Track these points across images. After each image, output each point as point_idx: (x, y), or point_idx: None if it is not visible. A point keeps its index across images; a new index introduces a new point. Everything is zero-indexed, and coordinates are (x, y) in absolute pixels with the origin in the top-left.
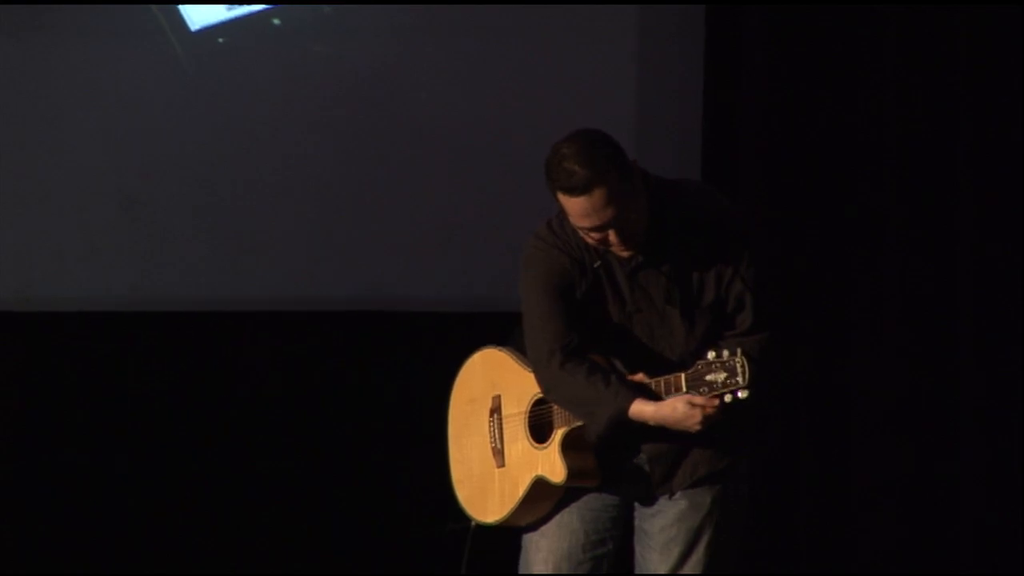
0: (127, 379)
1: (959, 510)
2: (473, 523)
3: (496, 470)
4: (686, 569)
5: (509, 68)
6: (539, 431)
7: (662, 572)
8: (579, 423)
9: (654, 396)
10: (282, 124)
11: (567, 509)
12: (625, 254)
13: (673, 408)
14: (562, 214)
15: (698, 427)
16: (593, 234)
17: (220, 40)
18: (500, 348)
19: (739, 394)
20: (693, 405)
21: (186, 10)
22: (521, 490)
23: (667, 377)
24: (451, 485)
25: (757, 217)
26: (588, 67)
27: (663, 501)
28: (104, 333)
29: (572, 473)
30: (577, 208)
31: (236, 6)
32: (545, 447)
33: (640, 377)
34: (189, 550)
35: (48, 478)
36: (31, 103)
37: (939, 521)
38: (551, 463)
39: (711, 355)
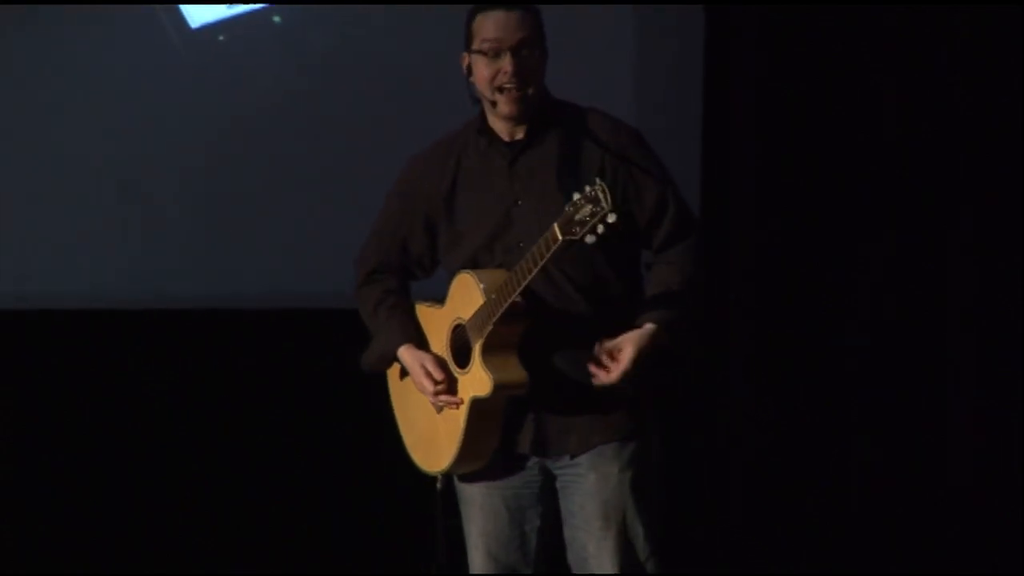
0: (121, 376)
1: (959, 510)
2: (438, 483)
3: (436, 417)
4: (610, 538)
5: None
6: (463, 356)
7: (590, 548)
8: (490, 328)
9: (424, 345)
10: (281, 119)
11: (489, 493)
12: (515, 96)
13: (416, 371)
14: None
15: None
16: (492, 63)
17: (220, 38)
18: (417, 303)
19: (609, 219)
20: (432, 380)
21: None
22: (462, 421)
23: (537, 243)
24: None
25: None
26: (585, 66)
27: (572, 476)
28: (100, 329)
29: (497, 382)
30: (490, 22)
31: (236, 4)
32: (468, 369)
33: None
34: (181, 531)
35: (45, 476)
36: (29, 96)
37: (939, 521)
38: (477, 379)
39: (576, 196)
